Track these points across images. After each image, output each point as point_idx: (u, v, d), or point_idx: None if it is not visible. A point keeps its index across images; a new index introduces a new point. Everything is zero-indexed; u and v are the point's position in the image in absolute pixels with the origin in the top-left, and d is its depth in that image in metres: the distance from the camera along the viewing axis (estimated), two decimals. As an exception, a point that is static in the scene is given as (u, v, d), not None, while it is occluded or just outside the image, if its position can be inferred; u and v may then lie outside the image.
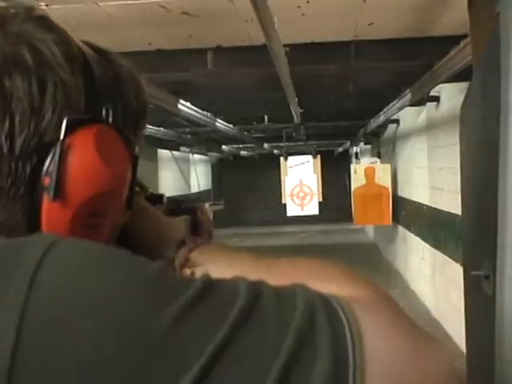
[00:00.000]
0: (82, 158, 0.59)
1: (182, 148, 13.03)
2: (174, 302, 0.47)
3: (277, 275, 0.61)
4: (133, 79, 0.72)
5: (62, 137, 0.59)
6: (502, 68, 1.30)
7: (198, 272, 0.67)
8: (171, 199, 0.94)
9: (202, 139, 11.51)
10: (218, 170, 19.27)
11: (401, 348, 0.49)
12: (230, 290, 0.50)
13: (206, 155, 16.65)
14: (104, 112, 0.64)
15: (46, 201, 0.59)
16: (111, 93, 0.66)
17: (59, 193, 0.58)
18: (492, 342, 1.12)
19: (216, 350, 0.45)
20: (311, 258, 0.65)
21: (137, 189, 0.77)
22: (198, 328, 0.47)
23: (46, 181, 0.58)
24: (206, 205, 1.00)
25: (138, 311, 0.47)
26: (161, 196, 0.90)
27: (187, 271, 0.69)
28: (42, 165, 0.59)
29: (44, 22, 0.64)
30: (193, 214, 0.91)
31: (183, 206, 0.93)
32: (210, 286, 0.50)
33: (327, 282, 0.57)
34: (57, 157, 0.58)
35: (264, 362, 0.45)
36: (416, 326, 0.53)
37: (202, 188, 17.63)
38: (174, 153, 13.90)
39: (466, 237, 2.06)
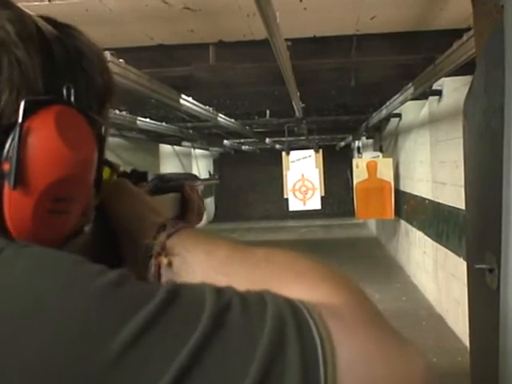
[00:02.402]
0: (42, 141, 0.56)
1: (184, 143, 13.02)
2: (130, 320, 0.44)
3: (250, 268, 0.58)
4: (97, 56, 0.69)
5: (20, 119, 0.55)
6: (506, 60, 1.30)
7: (175, 262, 0.64)
8: (158, 176, 0.88)
9: (204, 134, 11.50)
10: (220, 165, 19.26)
11: (374, 359, 0.46)
12: (194, 303, 0.47)
13: (208, 150, 16.64)
14: (65, 92, 0.60)
15: (7, 188, 0.55)
16: (73, 71, 0.63)
17: (20, 179, 0.55)
18: (496, 335, 1.12)
19: (177, 371, 0.42)
20: (287, 252, 0.61)
21: (107, 168, 0.73)
22: (157, 349, 0.43)
23: (6, 166, 0.55)
24: (198, 181, 0.94)
25: (85, 334, 0.43)
26: (144, 173, 0.84)
27: (164, 260, 0.65)
28: (1, 150, 0.55)
29: None
30: (181, 192, 0.85)
31: (170, 183, 0.87)
32: (171, 298, 0.46)
33: (300, 278, 0.55)
34: (16, 141, 0.54)
35: (230, 382, 0.42)
36: (390, 330, 0.51)
37: (204, 183, 17.60)
38: (176, 148, 13.89)
39: (469, 230, 2.06)
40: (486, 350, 1.47)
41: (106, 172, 0.74)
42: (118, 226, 0.73)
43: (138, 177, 0.83)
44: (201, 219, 0.91)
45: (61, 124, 0.57)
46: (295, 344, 0.44)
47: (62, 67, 0.62)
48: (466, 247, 2.20)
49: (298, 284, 0.53)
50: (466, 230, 2.28)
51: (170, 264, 0.65)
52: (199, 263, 0.63)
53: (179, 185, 0.87)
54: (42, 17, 0.66)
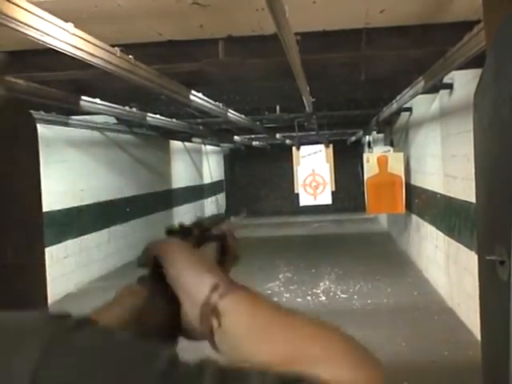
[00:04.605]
0: None
1: (195, 139, 13.04)
2: None
3: (287, 337, 0.61)
4: None
5: None
6: (515, 51, 1.29)
7: (225, 322, 0.67)
8: (196, 225, 0.89)
9: (214, 130, 11.52)
10: (231, 161, 19.27)
11: None
12: None
13: (219, 146, 16.65)
14: None
15: None
16: None
17: None
18: (506, 326, 1.12)
19: None
20: (316, 322, 0.63)
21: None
22: None
23: None
24: (231, 221, 0.96)
25: None
26: (189, 228, 0.86)
27: (215, 321, 0.68)
28: None
29: None
30: (222, 241, 0.88)
31: (212, 233, 0.89)
32: None
33: (325, 354, 0.57)
34: None
35: None
36: None
37: (215, 179, 17.65)
38: (187, 144, 13.92)
39: (480, 222, 2.05)
40: (497, 340, 1.47)
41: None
42: (174, 286, 0.75)
43: (184, 232, 0.85)
44: (237, 261, 0.93)
45: None
46: None
47: None
48: (476, 239, 2.18)
49: (322, 360, 0.56)
50: (476, 222, 2.27)
51: (219, 324, 0.67)
52: (243, 325, 0.65)
53: (221, 234, 0.90)
54: None
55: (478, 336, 4.85)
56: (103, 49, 3.49)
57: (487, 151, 1.76)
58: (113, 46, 3.65)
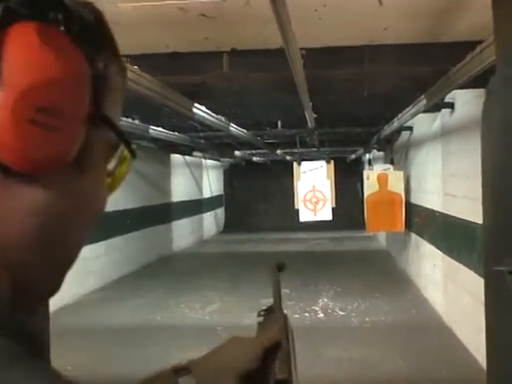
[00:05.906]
0: (20, 45, 0.52)
1: (195, 153, 13.05)
2: None
3: None
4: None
5: None
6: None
7: None
8: None
9: (215, 144, 11.54)
10: (230, 176, 19.28)
11: None
12: None
13: (219, 161, 16.67)
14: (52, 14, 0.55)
15: None
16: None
17: None
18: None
19: None
20: None
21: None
22: None
23: None
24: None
25: None
26: None
27: None
28: None
29: None
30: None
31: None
32: None
33: None
34: None
35: None
36: None
37: (214, 193, 17.65)
38: (187, 158, 13.93)
39: (487, 233, 2.04)
40: (504, 351, 1.45)
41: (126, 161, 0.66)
42: None
43: None
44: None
45: (42, 32, 0.53)
46: None
47: None
48: (483, 253, 2.17)
49: None
50: (483, 236, 2.25)
51: None
52: None
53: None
54: None
55: (476, 355, 4.82)
56: (109, 58, 3.50)
57: (497, 161, 1.76)
58: (118, 56, 3.66)
